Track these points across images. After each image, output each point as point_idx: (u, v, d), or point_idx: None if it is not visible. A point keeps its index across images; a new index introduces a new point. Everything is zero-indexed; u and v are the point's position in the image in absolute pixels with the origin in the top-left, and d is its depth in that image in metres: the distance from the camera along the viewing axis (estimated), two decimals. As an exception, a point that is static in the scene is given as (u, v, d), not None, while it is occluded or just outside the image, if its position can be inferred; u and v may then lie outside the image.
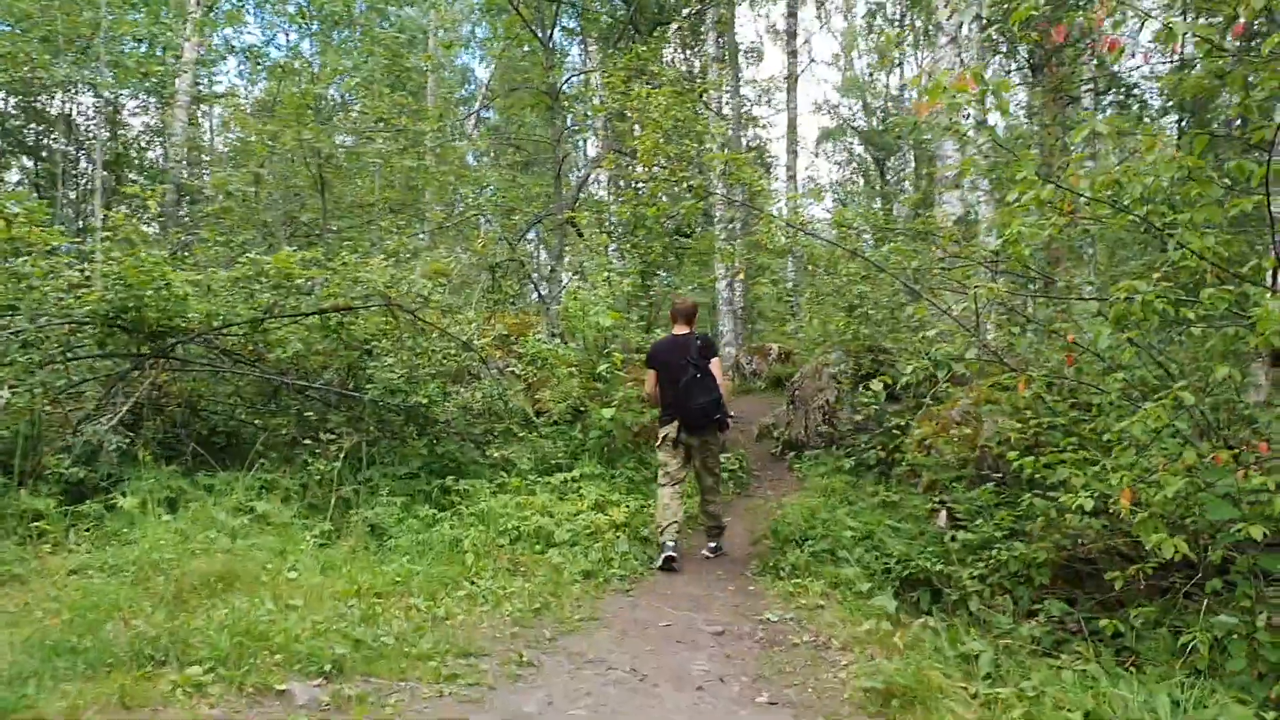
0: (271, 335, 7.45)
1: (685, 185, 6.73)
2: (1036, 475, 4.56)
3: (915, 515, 5.88)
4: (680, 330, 6.77)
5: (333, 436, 7.11)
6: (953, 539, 4.94)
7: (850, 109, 37.75)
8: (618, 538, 6.49)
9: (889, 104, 35.87)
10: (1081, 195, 3.39)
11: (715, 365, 6.58)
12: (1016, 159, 3.45)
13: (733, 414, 7.30)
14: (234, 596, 5.10)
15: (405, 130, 10.78)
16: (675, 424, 6.58)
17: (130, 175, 16.39)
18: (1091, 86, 18.51)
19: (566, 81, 12.21)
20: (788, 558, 5.87)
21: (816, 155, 40.06)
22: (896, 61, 34.88)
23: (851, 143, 38.44)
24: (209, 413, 8.12)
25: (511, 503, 6.81)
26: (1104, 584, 4.39)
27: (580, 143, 20.88)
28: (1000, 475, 5.64)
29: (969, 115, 9.01)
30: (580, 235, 11.44)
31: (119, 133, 17.54)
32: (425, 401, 7.02)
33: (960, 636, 4.20)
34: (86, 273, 7.33)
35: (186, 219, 13.81)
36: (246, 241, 9.89)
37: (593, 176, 12.88)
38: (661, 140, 6.38)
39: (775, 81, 31.29)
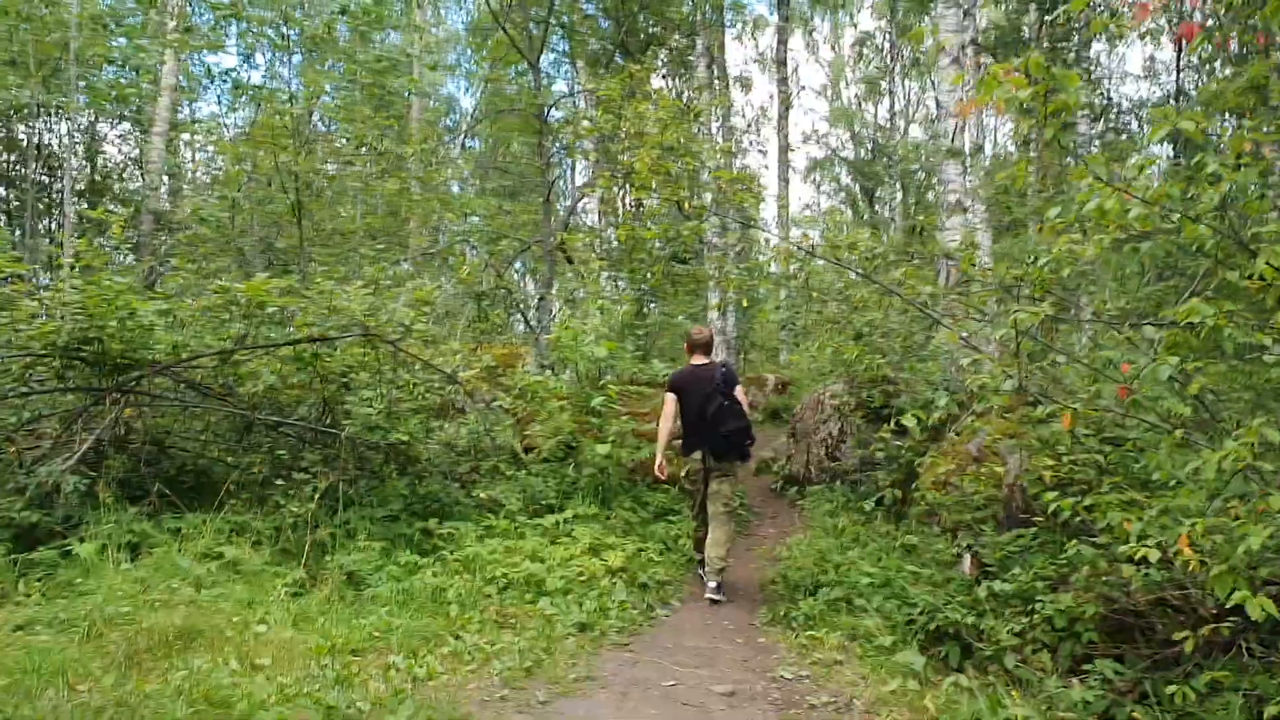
0: (243, 368, 7.04)
1: (686, 206, 6.41)
2: (1076, 518, 4.19)
3: (937, 560, 5.49)
4: (700, 360, 6.78)
5: (307, 476, 6.68)
6: (984, 588, 4.55)
7: (839, 139, 37.85)
8: (614, 585, 6.09)
9: (878, 134, 35.98)
10: (1152, 205, 3.05)
11: (740, 393, 6.61)
12: (1081, 162, 3.10)
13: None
14: (195, 655, 4.69)
15: (387, 154, 10.46)
16: (699, 454, 6.66)
17: (108, 205, 15.99)
18: (1087, 112, 18.47)
19: (555, 105, 11.93)
20: (800, 606, 5.47)
21: (806, 183, 39.96)
22: (885, 91, 35.05)
23: (840, 173, 38.50)
24: (177, 450, 7.69)
25: (499, 547, 6.40)
26: (1154, 639, 4.02)
27: (568, 169, 20.65)
28: (1027, 516, 5.27)
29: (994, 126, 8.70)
30: (570, 262, 11.11)
31: (96, 160, 17.17)
32: (406, 439, 6.61)
33: (1001, 699, 3.81)
34: (47, 302, 6.92)
35: (163, 248, 13.41)
36: (220, 270, 9.50)
37: (583, 202, 12.60)
38: (659, 156, 6.05)
39: (765, 113, 31.26)
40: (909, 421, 6.86)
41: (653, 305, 10.53)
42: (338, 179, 10.60)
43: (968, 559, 5.26)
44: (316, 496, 6.53)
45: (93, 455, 6.72)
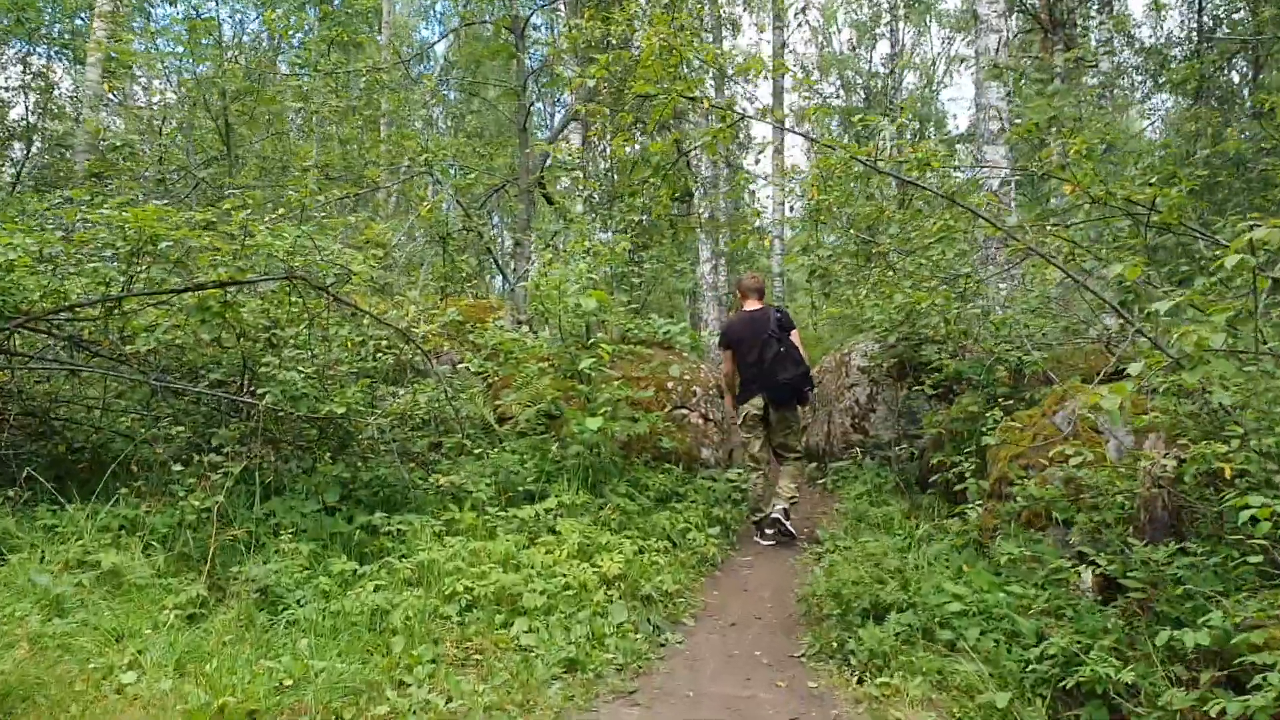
0: (136, 320, 5.61)
1: (704, 106, 5.01)
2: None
3: (1052, 578, 4.17)
4: (753, 306, 6.75)
5: (219, 458, 5.30)
6: (1157, 636, 3.25)
7: (833, 87, 36.22)
8: (611, 600, 4.78)
9: (871, 81, 34.37)
10: None
11: (796, 337, 6.63)
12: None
13: (727, 415, 7.72)
14: (20, 728, 3.37)
15: (338, 70, 8.92)
16: (758, 400, 6.61)
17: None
18: (1109, 49, 17.09)
19: (532, 15, 10.41)
20: (860, 637, 4.16)
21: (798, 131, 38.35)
22: (878, 36, 33.38)
23: (830, 123, 36.89)
24: (70, 424, 6.29)
25: (463, 550, 5.07)
26: None
27: (549, 108, 19.01)
28: (1173, 523, 3.98)
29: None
30: (550, 203, 9.66)
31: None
32: (344, 410, 5.22)
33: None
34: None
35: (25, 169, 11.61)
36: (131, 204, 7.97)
37: (565, 134, 11.12)
38: (664, 43, 4.64)
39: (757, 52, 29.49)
40: (968, 402, 5.62)
41: (647, 250, 9.12)
42: (278, 100, 9.04)
43: (1086, 575, 3.95)
44: (226, 485, 5.15)
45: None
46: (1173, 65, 16.41)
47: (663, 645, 4.62)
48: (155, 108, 10.11)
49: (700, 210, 13.74)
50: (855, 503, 6.91)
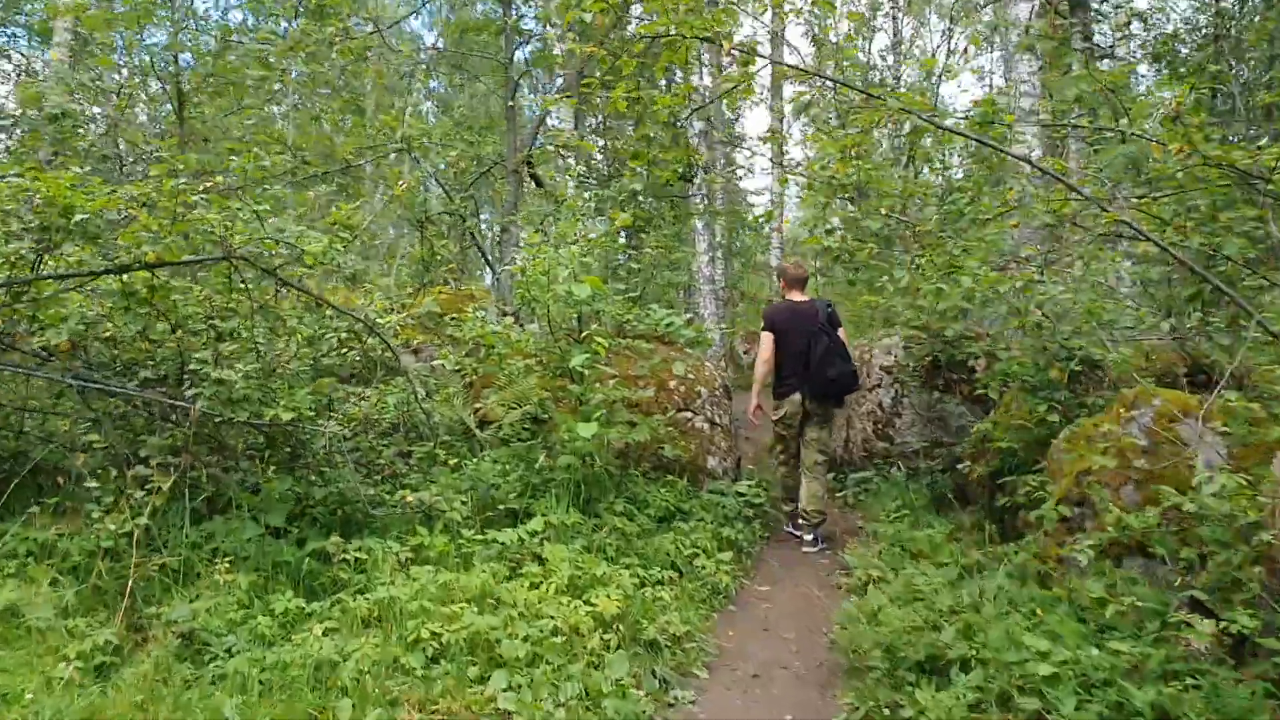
0: (51, 309, 4.81)
1: (724, 47, 4.23)
2: None
3: (1155, 630, 3.40)
4: (798, 297, 6.53)
5: (148, 471, 4.51)
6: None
7: (829, 79, 35.43)
8: (609, 648, 4.00)
9: (868, 73, 33.60)
10: None
11: (844, 334, 6.41)
12: None
13: (735, 419, 7.67)
14: None
15: (306, 37, 8.10)
16: (797, 396, 6.39)
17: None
18: (1124, 34, 16.37)
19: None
20: (917, 700, 3.38)
21: (795, 124, 37.64)
22: (877, 27, 32.62)
23: (830, 116, 36.13)
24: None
25: (432, 584, 4.30)
26: None
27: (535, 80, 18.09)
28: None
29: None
30: (539, 185, 8.87)
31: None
32: (292, 416, 4.42)
33: None
34: None
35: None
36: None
37: (554, 115, 10.32)
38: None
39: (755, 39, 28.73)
40: (1037, 405, 4.88)
41: (645, 234, 8.30)
42: (241, 69, 8.21)
43: (1206, 628, 3.18)
44: (154, 504, 4.36)
45: None
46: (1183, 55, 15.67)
47: (671, 705, 3.85)
48: (112, 80, 9.28)
49: (698, 195, 12.92)
50: (891, 525, 6.12)
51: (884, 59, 34.18)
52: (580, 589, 4.44)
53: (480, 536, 4.91)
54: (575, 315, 5.82)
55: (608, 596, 4.33)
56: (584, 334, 5.59)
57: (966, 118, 4.21)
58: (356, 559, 4.56)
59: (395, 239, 9.19)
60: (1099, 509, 4.28)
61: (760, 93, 19.22)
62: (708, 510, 6.13)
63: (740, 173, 22.37)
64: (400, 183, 7.07)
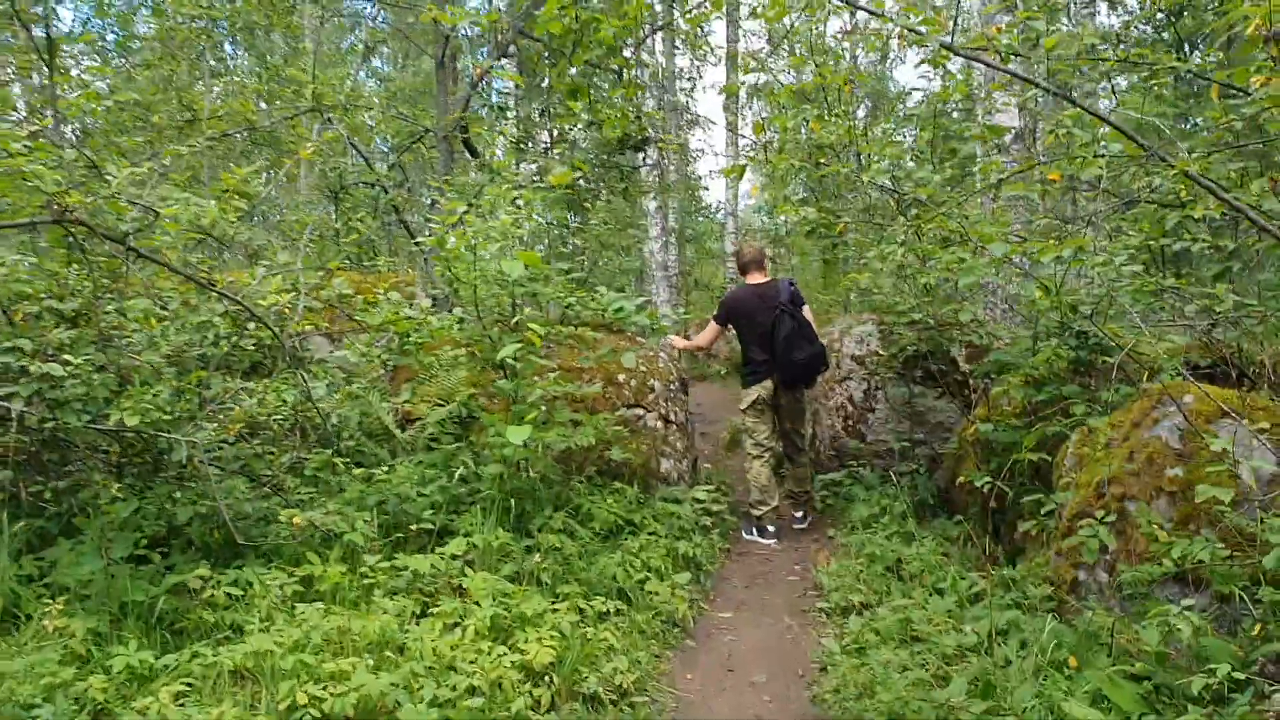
0: None
1: None
2: None
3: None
4: (758, 278, 6.32)
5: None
6: None
7: (783, 62, 34.85)
8: (539, 709, 3.22)
9: (821, 57, 33.06)
10: None
11: (809, 313, 6.21)
12: None
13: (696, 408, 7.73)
14: None
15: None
16: (768, 383, 6.20)
17: None
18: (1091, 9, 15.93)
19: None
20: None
21: (750, 109, 37.05)
22: (828, 11, 32.07)
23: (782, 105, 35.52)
24: None
25: (322, 627, 3.46)
26: None
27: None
28: None
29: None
30: (474, 154, 8.00)
31: None
32: (140, 420, 3.55)
33: None
34: None
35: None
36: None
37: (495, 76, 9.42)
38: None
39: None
40: (1045, 395, 4.21)
41: (590, 207, 7.47)
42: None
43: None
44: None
45: None
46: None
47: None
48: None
49: (649, 164, 12.05)
50: (868, 536, 5.41)
51: (836, 42, 33.60)
52: (506, 631, 3.65)
53: (388, 563, 4.09)
54: (509, 298, 5.00)
55: (539, 640, 3.55)
56: (515, 320, 4.77)
57: (984, 48, 3.47)
58: (231, 594, 3.73)
59: (319, 214, 8.25)
60: (1132, 528, 3.60)
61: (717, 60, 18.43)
62: (661, 521, 5.37)
63: (694, 155, 21.65)
64: (307, 146, 6.18)
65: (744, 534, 6.34)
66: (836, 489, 6.70)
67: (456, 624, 3.64)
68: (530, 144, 7.94)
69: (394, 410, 5.70)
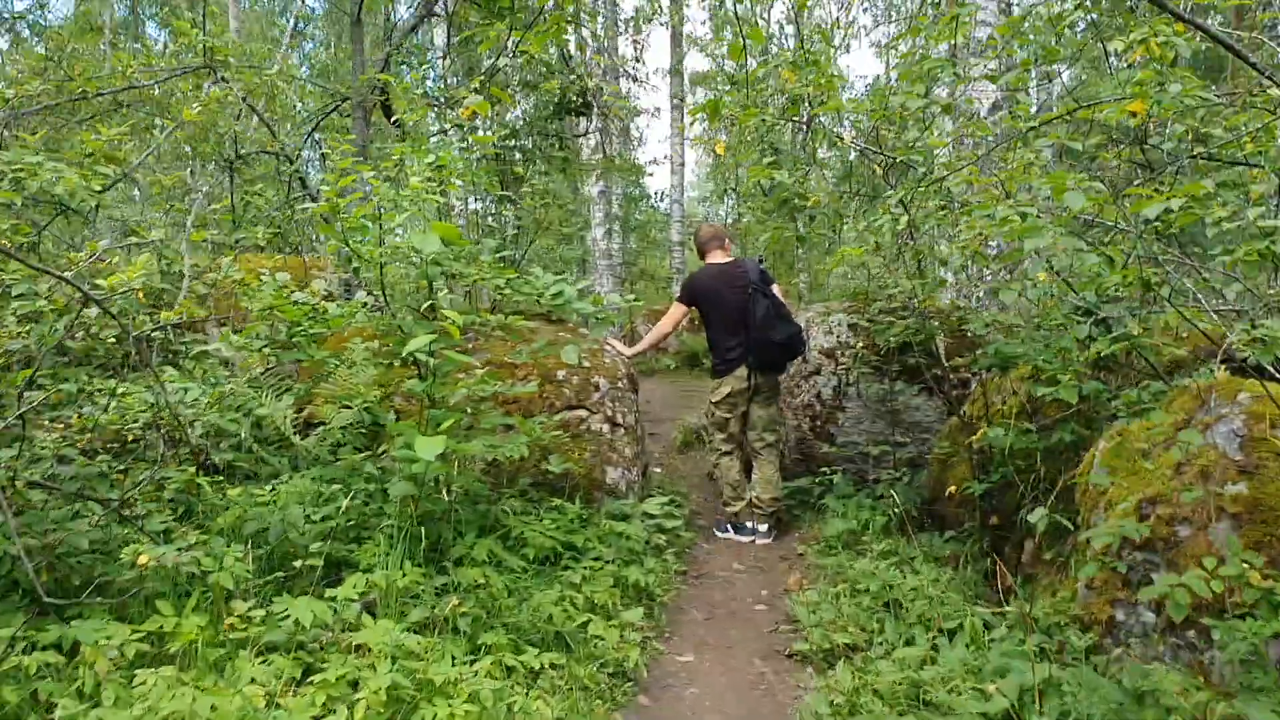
0: None
1: None
2: None
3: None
4: (721, 258, 5.89)
5: None
6: None
7: (723, 51, 34.30)
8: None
9: (763, 46, 32.56)
10: None
11: (779, 291, 5.82)
12: None
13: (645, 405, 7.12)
14: None
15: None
16: (742, 371, 5.72)
17: None
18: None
19: None
20: None
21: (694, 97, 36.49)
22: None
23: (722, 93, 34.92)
24: None
25: (162, 709, 2.63)
26: None
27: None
28: None
29: None
30: (397, 125, 7.12)
31: None
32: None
33: None
34: None
35: None
36: None
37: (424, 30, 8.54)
38: None
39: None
40: (1067, 394, 3.54)
41: (522, 180, 6.62)
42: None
43: None
44: None
45: None
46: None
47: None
48: None
49: (591, 128, 11.19)
50: (848, 558, 4.71)
51: (782, 29, 33.20)
52: (409, 706, 2.85)
53: (264, 609, 3.26)
54: (425, 281, 4.17)
55: (451, 716, 2.76)
56: (424, 307, 3.94)
57: None
58: (55, 661, 2.87)
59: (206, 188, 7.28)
60: (1185, 558, 2.93)
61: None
62: (607, 543, 4.61)
63: (639, 126, 20.81)
64: (193, 107, 5.27)
65: (717, 532, 5.95)
66: (805, 497, 6.01)
67: (340, 701, 2.83)
68: (457, 107, 7.09)
69: (291, 413, 4.84)
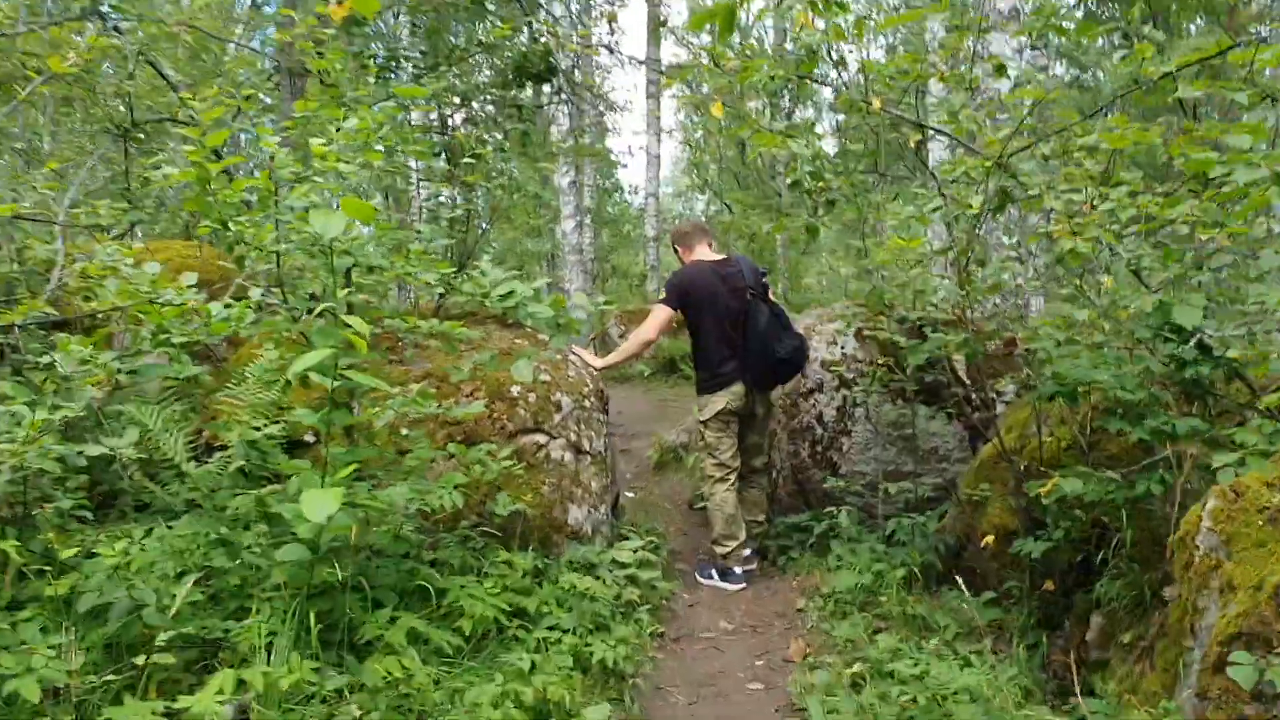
0: None
1: None
2: None
3: None
4: (710, 255, 5.15)
5: None
6: None
7: (701, 40, 33.59)
8: None
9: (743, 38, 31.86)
10: None
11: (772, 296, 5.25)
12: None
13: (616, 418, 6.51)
14: None
15: None
16: (738, 387, 4.96)
17: None
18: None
19: None
20: None
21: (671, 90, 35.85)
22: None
23: (700, 85, 34.16)
24: None
25: None
26: None
27: None
28: None
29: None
30: (330, 86, 6.22)
31: None
32: None
33: None
34: None
35: None
36: None
37: None
38: None
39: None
40: (1153, 434, 2.77)
41: (479, 156, 5.75)
42: None
43: None
44: None
45: None
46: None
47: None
48: None
49: (560, 99, 10.27)
50: (868, 632, 3.89)
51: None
52: None
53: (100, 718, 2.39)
54: (328, 274, 3.29)
55: None
56: (319, 311, 3.05)
57: None
58: None
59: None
60: None
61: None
62: (566, 606, 3.75)
63: (609, 113, 19.91)
64: (68, 60, 4.35)
65: (699, 577, 5.13)
66: (802, 536, 5.19)
67: None
68: (396, 69, 6.19)
69: (191, 438, 3.93)
